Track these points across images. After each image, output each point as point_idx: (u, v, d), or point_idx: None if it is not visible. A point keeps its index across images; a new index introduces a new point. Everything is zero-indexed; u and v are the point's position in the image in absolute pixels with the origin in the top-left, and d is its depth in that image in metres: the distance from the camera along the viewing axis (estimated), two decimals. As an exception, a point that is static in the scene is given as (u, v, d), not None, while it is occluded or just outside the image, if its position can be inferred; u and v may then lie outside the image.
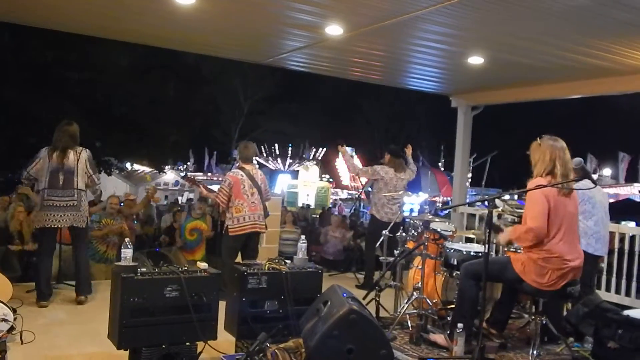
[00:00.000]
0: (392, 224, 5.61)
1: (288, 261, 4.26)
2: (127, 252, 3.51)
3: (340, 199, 29.66)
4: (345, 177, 32.91)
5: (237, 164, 5.75)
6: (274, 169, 34.38)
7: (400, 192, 6.29)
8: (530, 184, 3.83)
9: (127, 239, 3.68)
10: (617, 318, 4.20)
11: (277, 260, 4.19)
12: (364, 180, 6.76)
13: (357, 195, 25.08)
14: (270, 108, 32.72)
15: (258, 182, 5.55)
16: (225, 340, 3.84)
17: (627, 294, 6.41)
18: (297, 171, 31.01)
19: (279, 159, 35.34)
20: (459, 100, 8.56)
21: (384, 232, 5.48)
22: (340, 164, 35.19)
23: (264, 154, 32.97)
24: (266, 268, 4.02)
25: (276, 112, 33.14)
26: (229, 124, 32.79)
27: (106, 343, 3.48)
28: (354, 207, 23.67)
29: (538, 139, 3.96)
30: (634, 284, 6.35)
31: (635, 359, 3.94)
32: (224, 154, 33.02)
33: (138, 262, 3.90)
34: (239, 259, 5.42)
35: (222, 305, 3.76)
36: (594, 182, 4.39)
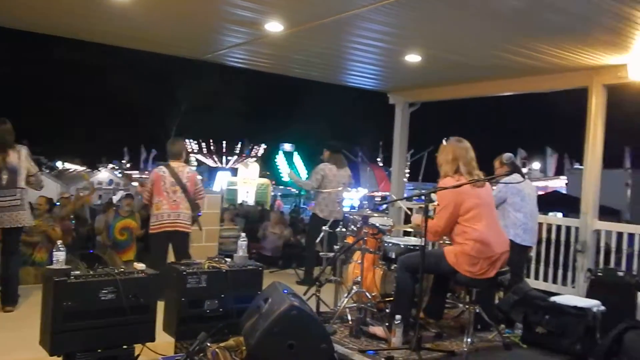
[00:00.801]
0: (331, 220, 5.66)
1: (228, 259, 4.24)
2: (60, 255, 3.39)
3: (280, 196, 29.63)
4: (286, 173, 32.91)
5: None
6: (213, 166, 33.93)
7: (341, 188, 6.36)
8: (441, 183, 4.01)
9: (59, 242, 3.56)
10: (545, 304, 4.43)
11: (217, 259, 4.16)
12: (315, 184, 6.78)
13: (297, 192, 25.16)
14: (209, 105, 32.26)
15: (183, 180, 5.46)
16: (164, 341, 3.78)
17: (554, 281, 6.76)
18: (237, 168, 30.76)
19: (218, 156, 34.92)
20: (396, 97, 8.73)
21: (324, 227, 5.53)
22: (280, 161, 35.15)
23: (203, 151, 32.49)
24: (206, 267, 3.98)
25: (216, 108, 32.70)
26: (167, 121, 32.11)
27: (38, 349, 3.36)
28: (294, 204, 23.71)
29: (444, 140, 4.13)
30: (560, 272, 6.70)
31: (561, 342, 4.18)
32: (162, 152, 32.33)
33: (71, 264, 3.79)
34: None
35: (160, 305, 3.70)
36: (523, 175, 4.62)
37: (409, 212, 4.87)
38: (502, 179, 5.05)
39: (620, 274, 5.34)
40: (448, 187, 3.88)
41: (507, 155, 4.11)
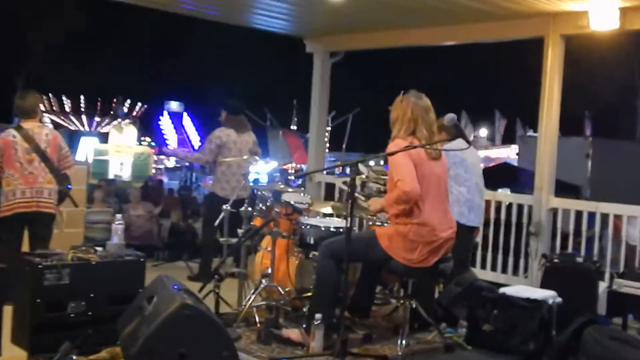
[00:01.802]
0: (233, 199, 5.65)
1: (99, 249, 4.18)
2: None
3: (166, 169, 29.18)
4: (172, 139, 32.36)
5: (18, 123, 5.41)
6: (75, 129, 32.75)
7: (246, 157, 6.34)
8: (392, 145, 4.10)
9: None
10: (492, 297, 4.66)
11: (84, 249, 4.09)
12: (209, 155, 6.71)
13: (187, 166, 24.81)
14: (71, 50, 30.91)
15: (41, 145, 5.24)
16: (13, 356, 3.68)
17: (504, 270, 7.12)
18: (107, 133, 29.80)
19: (82, 117, 33.71)
20: (314, 45, 8.74)
21: (224, 207, 5.51)
22: (166, 124, 34.52)
23: (62, 109, 31.25)
24: (69, 258, 3.91)
25: (80, 55, 31.42)
26: (10, 71, 30.44)
27: None
28: (184, 180, 23.42)
29: (401, 94, 4.23)
30: (510, 259, 7.06)
31: (511, 341, 4.42)
32: (4, 111, 30.72)
33: None
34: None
35: (8, 310, 3.59)
36: (468, 142, 4.78)
37: (363, 199, 4.95)
38: (443, 145, 5.22)
39: (580, 260, 5.68)
40: (399, 150, 3.97)
41: (449, 117, 4.22)
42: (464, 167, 5.37)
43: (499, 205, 7.28)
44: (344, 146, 31.12)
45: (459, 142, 5.32)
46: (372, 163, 5.25)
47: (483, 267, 7.24)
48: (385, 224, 4.82)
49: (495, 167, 20.25)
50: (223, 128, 6.72)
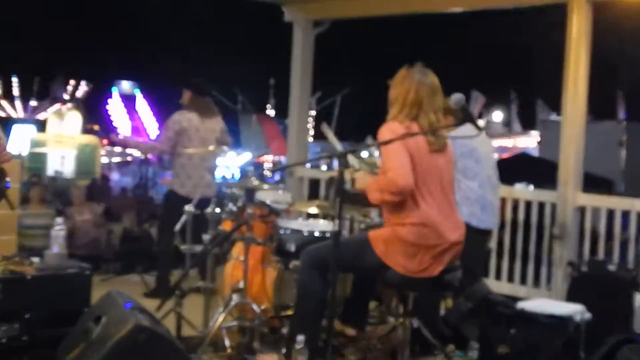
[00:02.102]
0: (197, 198, 5.63)
1: (36, 259, 4.18)
2: None
3: (116, 163, 29.02)
4: (125, 127, 32.20)
5: None
6: (5, 116, 32.53)
7: (212, 148, 6.32)
8: (385, 130, 4.08)
9: None
10: (509, 313, 4.68)
11: (17, 259, 4.10)
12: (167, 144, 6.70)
13: (143, 158, 24.68)
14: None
15: None
16: None
17: (523, 281, 7.15)
18: (45, 120, 29.61)
19: (14, 101, 33.47)
20: (295, 13, 8.72)
21: (186, 208, 5.49)
22: (115, 108, 34.34)
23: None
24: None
25: (10, 27, 31.15)
26: None
27: None
28: (139, 176, 23.31)
29: (406, 69, 4.22)
30: (530, 268, 7.10)
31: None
32: None
33: None
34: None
35: None
36: (478, 128, 4.80)
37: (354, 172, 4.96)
38: (449, 131, 5.23)
39: (612, 268, 5.72)
40: (395, 139, 3.96)
41: (457, 98, 4.19)
42: (474, 158, 5.38)
43: (516, 203, 7.30)
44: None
45: (468, 128, 5.33)
46: (364, 154, 5.27)
47: (498, 277, 7.28)
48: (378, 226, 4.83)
49: (512, 158, 20.38)
50: (184, 111, 6.71)
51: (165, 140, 6.66)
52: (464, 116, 4.84)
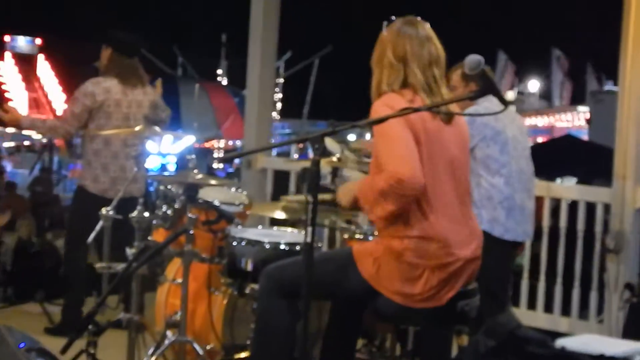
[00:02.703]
0: (118, 198, 5.61)
1: None
2: None
3: (7, 149, 28.91)
4: (20, 100, 31.99)
5: None
6: None
7: (138, 128, 6.29)
8: (380, 104, 4.07)
9: None
10: (545, 354, 4.69)
11: None
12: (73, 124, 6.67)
13: (43, 144, 24.49)
14: None
15: None
16: None
17: (565, 311, 7.21)
18: None
19: None
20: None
21: (103, 211, 5.47)
22: (8, 71, 34.15)
23: None
24: None
25: None
26: None
27: None
28: (38, 167, 23.14)
29: (385, 25, 4.23)
30: (575, 292, 7.15)
31: None
32: None
33: None
34: None
35: None
36: (504, 101, 4.77)
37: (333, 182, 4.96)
38: (462, 107, 5.24)
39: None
40: (390, 115, 3.91)
41: (472, 60, 4.13)
42: (500, 144, 5.40)
43: (556, 204, 7.34)
44: (304, 111, 31.07)
45: (490, 103, 5.34)
46: (351, 137, 5.26)
47: (531, 305, 7.33)
48: (369, 237, 4.84)
49: (552, 142, 20.45)
50: (100, 79, 6.67)
51: (72, 117, 6.60)
52: (484, 85, 4.78)
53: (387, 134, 3.98)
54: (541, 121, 31.16)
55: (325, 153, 4.27)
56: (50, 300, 7.52)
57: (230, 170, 26.24)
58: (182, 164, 5.63)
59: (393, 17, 4.24)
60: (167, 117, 6.99)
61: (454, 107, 4.27)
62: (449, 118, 4.16)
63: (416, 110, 3.85)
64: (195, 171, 5.22)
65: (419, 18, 4.25)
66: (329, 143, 5.01)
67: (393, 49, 4.14)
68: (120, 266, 5.38)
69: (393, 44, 4.14)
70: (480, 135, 5.26)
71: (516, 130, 5.59)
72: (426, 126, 4.04)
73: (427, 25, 4.23)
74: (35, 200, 15.43)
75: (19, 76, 34.54)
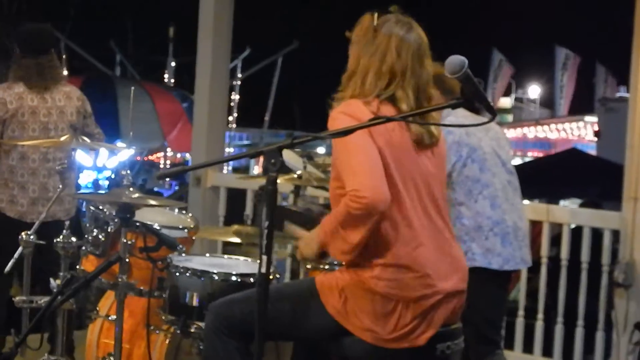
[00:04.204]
0: (38, 222, 5.61)
1: None
2: None
3: None
4: None
5: None
6: None
7: (64, 138, 6.29)
8: (338, 113, 4.07)
9: None
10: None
11: None
12: None
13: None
14: None
15: None
16: None
17: (567, 354, 7.24)
18: None
19: None
20: None
21: (22, 237, 5.45)
22: None
23: None
24: None
25: None
26: None
27: None
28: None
29: (374, 16, 4.22)
30: (578, 333, 7.20)
31: None
32: None
33: None
34: None
35: None
36: (491, 111, 4.79)
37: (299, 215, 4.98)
38: (439, 116, 5.27)
39: None
40: (359, 126, 3.91)
41: (454, 62, 4.13)
42: (478, 161, 5.43)
43: (557, 231, 7.37)
44: (266, 118, 30.96)
45: (455, 117, 5.38)
46: (321, 150, 5.28)
47: (527, 349, 7.36)
48: (334, 266, 4.86)
49: (555, 157, 20.51)
50: (11, 83, 6.67)
51: None
52: (467, 91, 4.77)
53: (345, 147, 3.99)
54: (542, 132, 31.30)
55: (284, 169, 4.26)
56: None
57: (175, 187, 26.19)
58: (114, 179, 5.59)
59: (377, 12, 4.23)
60: (101, 137, 6.96)
61: (433, 118, 4.29)
62: (431, 137, 4.18)
63: (389, 120, 3.85)
64: (130, 189, 5.21)
65: (411, 19, 4.25)
66: (290, 157, 5.03)
67: (396, 57, 4.12)
68: (43, 300, 5.36)
69: (396, 51, 4.13)
70: (455, 157, 5.29)
71: (494, 143, 5.61)
72: (393, 139, 4.05)
73: (421, 31, 4.23)
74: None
75: None
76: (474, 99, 3.91)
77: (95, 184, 21.86)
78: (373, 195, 3.86)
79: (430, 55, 4.23)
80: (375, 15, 4.21)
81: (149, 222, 5.13)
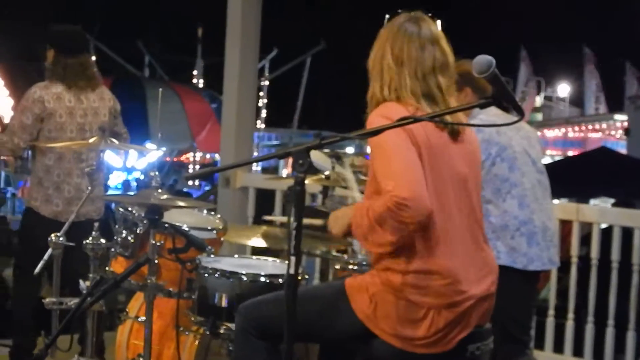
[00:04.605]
0: (69, 222, 5.61)
1: None
2: None
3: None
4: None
5: None
6: None
7: (93, 140, 6.30)
8: (374, 116, 4.05)
9: None
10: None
11: None
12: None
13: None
14: None
15: None
16: None
17: (598, 355, 7.21)
18: None
19: None
20: None
21: (52, 237, 5.45)
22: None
23: None
24: None
25: None
26: None
27: None
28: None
29: (386, 18, 4.21)
30: (609, 334, 7.15)
31: None
32: None
33: None
34: None
35: None
36: (519, 111, 4.77)
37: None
38: (468, 115, 5.25)
39: None
40: (386, 127, 3.87)
41: (482, 61, 4.10)
42: (508, 160, 5.40)
43: (587, 230, 7.33)
44: (294, 119, 30.91)
45: (486, 115, 5.36)
46: (350, 150, 5.26)
47: (558, 348, 7.32)
48: (362, 267, 4.84)
49: (584, 156, 20.42)
50: (47, 83, 6.68)
51: (22, 129, 6.57)
52: (495, 90, 4.75)
53: (383, 149, 3.96)
54: (572, 131, 31.18)
55: (314, 169, 4.24)
56: (-4, 339, 7.51)
57: (205, 188, 26.22)
58: (142, 181, 5.61)
59: (399, 11, 4.23)
60: (126, 137, 6.98)
61: (461, 118, 4.26)
62: (456, 132, 4.16)
63: (416, 120, 3.80)
64: (160, 191, 5.21)
65: (426, 15, 4.23)
66: (319, 158, 5.01)
67: (392, 50, 4.12)
68: (72, 302, 5.37)
69: (392, 44, 4.13)
70: (484, 155, 5.25)
71: (524, 142, 5.59)
72: (429, 140, 4.01)
73: (435, 24, 4.21)
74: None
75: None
76: (501, 99, 3.90)
77: (125, 184, 21.93)
78: (416, 203, 3.82)
79: (444, 41, 4.21)
80: (387, 19, 4.23)
81: (177, 224, 5.13)
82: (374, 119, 4.03)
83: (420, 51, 4.13)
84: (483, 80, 3.87)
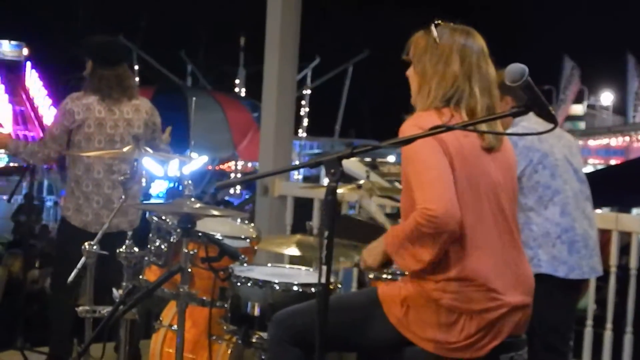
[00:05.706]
0: (102, 232, 5.60)
1: None
2: None
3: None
4: (4, 115, 32.22)
5: None
6: None
7: (126, 149, 6.28)
8: (410, 124, 4.03)
9: None
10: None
11: None
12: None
13: (25, 165, 24.51)
14: None
15: None
16: None
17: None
18: None
19: None
20: None
21: (85, 246, 5.45)
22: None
23: None
24: None
25: None
26: None
27: None
28: (24, 191, 23.12)
29: (432, 27, 4.17)
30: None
31: None
32: None
33: None
34: None
35: None
36: (552, 119, 4.72)
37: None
38: (509, 124, 5.21)
39: None
40: (418, 136, 3.84)
41: (515, 70, 4.07)
42: (549, 167, 5.36)
43: (627, 240, 7.27)
44: (336, 128, 30.98)
45: (528, 122, 5.31)
46: (390, 158, 5.22)
47: (596, 357, 7.24)
48: (396, 275, 4.80)
49: (628, 165, 20.30)
50: (80, 94, 6.71)
51: (51, 139, 6.63)
52: (528, 99, 4.71)
53: (413, 160, 3.98)
54: (615, 140, 31.02)
55: (347, 177, 4.21)
56: (33, 347, 7.53)
57: (247, 196, 26.28)
58: (173, 189, 5.61)
59: (434, 23, 4.20)
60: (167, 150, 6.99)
61: (498, 127, 4.24)
62: (496, 140, 4.13)
63: (449, 129, 3.77)
64: (191, 199, 5.20)
65: (469, 27, 4.24)
66: (354, 166, 4.99)
67: (460, 63, 4.11)
68: (105, 310, 5.37)
69: (460, 56, 4.12)
70: (525, 161, 5.22)
71: (565, 150, 5.55)
72: (463, 149, 4.01)
73: (479, 36, 4.22)
74: (20, 231, 15.48)
75: (2, 86, 34.67)
76: (534, 107, 3.87)
77: (168, 193, 22.05)
78: (444, 214, 3.84)
79: (491, 59, 4.21)
80: (433, 27, 4.19)
81: (211, 232, 5.12)
82: (407, 129, 4.02)
83: (480, 64, 4.15)
84: (515, 91, 3.86)
